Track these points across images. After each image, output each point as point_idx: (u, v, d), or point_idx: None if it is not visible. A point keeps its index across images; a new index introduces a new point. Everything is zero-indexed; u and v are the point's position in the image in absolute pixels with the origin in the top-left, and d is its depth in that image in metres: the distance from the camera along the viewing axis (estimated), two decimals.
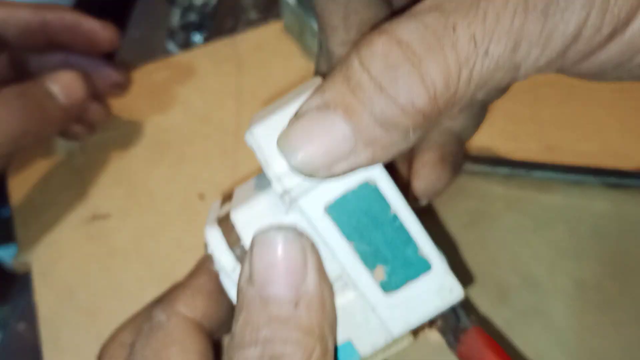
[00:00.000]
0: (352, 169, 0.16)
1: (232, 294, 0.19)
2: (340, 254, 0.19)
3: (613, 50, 0.15)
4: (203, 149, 0.34)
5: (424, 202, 0.25)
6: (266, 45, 0.37)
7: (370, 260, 0.19)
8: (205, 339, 0.20)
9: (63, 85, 0.29)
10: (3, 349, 0.31)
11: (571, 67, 0.16)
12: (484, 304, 0.28)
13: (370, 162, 0.16)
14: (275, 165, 0.17)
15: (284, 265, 0.17)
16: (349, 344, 0.20)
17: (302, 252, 0.18)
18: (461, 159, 0.25)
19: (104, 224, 0.32)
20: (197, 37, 0.39)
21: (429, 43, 0.14)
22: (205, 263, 0.22)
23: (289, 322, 0.17)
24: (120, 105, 0.36)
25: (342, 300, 0.20)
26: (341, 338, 0.20)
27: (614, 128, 0.32)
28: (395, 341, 0.20)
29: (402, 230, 0.19)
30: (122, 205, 0.32)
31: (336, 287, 0.20)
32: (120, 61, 0.37)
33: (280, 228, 0.18)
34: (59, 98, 0.29)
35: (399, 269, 0.19)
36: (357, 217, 0.19)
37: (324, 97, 0.15)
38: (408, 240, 0.19)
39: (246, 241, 0.19)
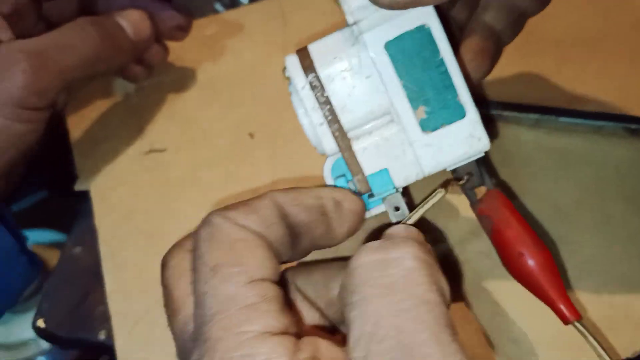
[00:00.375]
0: (413, 4, 0.20)
1: (299, 112, 0.24)
2: (391, 89, 0.22)
3: None
4: (252, 94, 0.36)
5: None
6: (310, 4, 0.40)
7: (415, 98, 0.22)
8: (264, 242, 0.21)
9: (132, 21, 0.32)
10: (60, 269, 0.33)
11: None
12: None
13: (428, 2, 0.20)
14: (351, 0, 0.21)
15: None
16: (386, 171, 0.23)
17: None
18: (497, 57, 0.28)
19: (160, 157, 0.34)
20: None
21: None
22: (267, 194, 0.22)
23: None
24: (173, 54, 0.38)
25: (386, 132, 0.23)
26: (379, 165, 0.23)
27: (633, 84, 0.35)
28: (431, 196, 0.23)
29: (446, 75, 0.22)
30: (177, 140, 0.34)
31: (383, 121, 0.23)
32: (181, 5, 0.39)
33: None
34: (128, 32, 0.31)
35: (438, 111, 0.22)
36: (410, 57, 0.22)
37: None
38: (450, 85, 0.22)
39: (317, 67, 0.23)
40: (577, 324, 0.22)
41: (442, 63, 0.22)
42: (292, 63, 0.23)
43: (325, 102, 0.23)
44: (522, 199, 0.31)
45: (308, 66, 0.23)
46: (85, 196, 0.34)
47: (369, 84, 0.22)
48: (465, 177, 0.24)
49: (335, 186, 0.23)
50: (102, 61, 0.30)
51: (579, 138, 0.33)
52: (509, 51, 0.38)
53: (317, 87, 0.23)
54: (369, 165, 0.23)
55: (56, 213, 0.85)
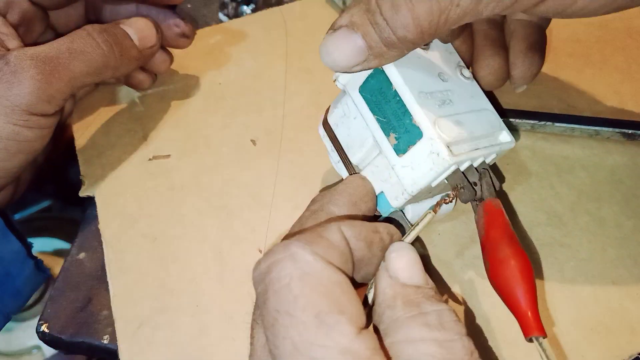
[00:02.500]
0: (366, 69, 0.24)
1: (329, 153, 0.29)
2: (370, 124, 0.26)
3: (550, 3, 0.22)
4: (255, 101, 0.37)
5: (523, 87, 0.32)
6: (311, 15, 0.41)
7: (385, 128, 0.25)
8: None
9: (138, 29, 0.32)
10: (64, 275, 0.33)
11: (528, 11, 0.22)
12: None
13: (377, 66, 0.24)
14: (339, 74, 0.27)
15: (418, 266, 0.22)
16: (382, 194, 0.27)
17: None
18: (544, 45, 0.31)
19: (164, 163, 0.34)
20: (246, 9, 0.43)
21: None
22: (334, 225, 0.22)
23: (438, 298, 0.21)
24: (177, 63, 0.39)
25: (376, 161, 0.26)
26: (378, 189, 0.27)
27: (628, 91, 0.36)
28: (420, 218, 0.24)
29: (401, 103, 0.25)
30: (180, 147, 0.35)
31: (374, 152, 0.26)
32: (185, 13, 0.40)
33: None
34: (134, 40, 0.32)
35: (403, 135, 0.25)
36: (376, 94, 0.26)
37: (352, 19, 0.22)
38: (405, 111, 0.25)
39: (328, 118, 0.29)
40: (538, 340, 0.21)
41: (396, 94, 0.25)
42: (320, 120, 0.29)
43: (336, 143, 0.28)
44: (518, 203, 0.32)
45: (324, 118, 0.29)
46: (89, 203, 0.34)
47: (358, 124, 0.27)
48: (455, 191, 0.25)
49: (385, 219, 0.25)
50: (110, 68, 0.31)
51: (574, 143, 0.34)
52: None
53: (330, 133, 0.29)
54: (376, 189, 0.27)
55: (59, 221, 0.86)
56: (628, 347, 0.27)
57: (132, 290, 0.30)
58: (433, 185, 0.25)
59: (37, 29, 0.33)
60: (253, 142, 0.35)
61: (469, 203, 0.26)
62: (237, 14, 0.43)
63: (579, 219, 0.31)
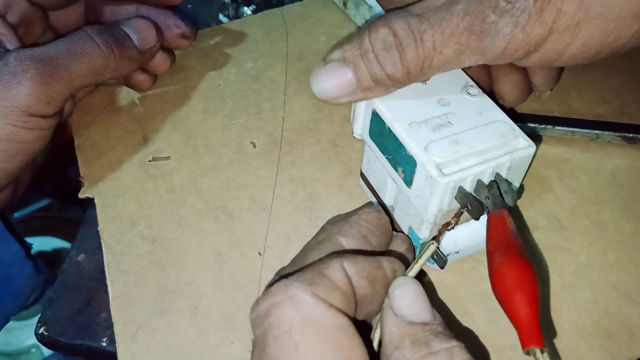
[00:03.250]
0: (351, 102, 0.26)
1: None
2: (383, 163, 0.28)
3: (535, 58, 0.23)
4: (255, 103, 0.37)
5: (547, 92, 0.33)
6: (311, 15, 0.41)
7: (393, 163, 0.27)
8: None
9: (138, 30, 0.32)
10: (63, 277, 0.33)
11: (513, 62, 0.24)
12: None
13: (363, 99, 0.26)
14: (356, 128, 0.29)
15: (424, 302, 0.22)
16: (411, 229, 0.27)
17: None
18: (529, 89, 0.32)
19: (164, 165, 0.34)
20: (246, 10, 0.43)
21: (410, 39, 0.23)
22: (335, 261, 0.21)
23: (447, 334, 0.21)
24: (177, 64, 0.39)
25: (398, 197, 0.28)
26: (408, 225, 0.27)
27: (630, 94, 0.36)
28: (423, 250, 0.25)
29: (395, 137, 0.26)
30: (180, 149, 0.35)
31: (395, 189, 0.28)
32: (185, 14, 0.40)
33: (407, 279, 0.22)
34: (134, 41, 0.32)
35: (405, 167, 0.26)
36: (379, 134, 0.27)
37: (344, 54, 0.24)
38: (400, 144, 0.26)
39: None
40: (534, 352, 0.20)
41: (390, 130, 0.26)
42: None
43: (372, 190, 0.31)
44: (519, 206, 0.32)
45: (360, 170, 0.32)
46: (88, 204, 0.34)
47: (378, 167, 0.29)
48: (463, 209, 0.25)
49: (390, 255, 0.24)
50: (109, 69, 0.31)
51: (575, 146, 0.34)
52: None
53: (366, 182, 0.32)
54: (404, 226, 0.28)
55: (59, 221, 0.85)
56: (627, 352, 0.27)
57: (131, 293, 0.30)
58: (444, 208, 0.25)
59: (37, 29, 0.33)
60: (253, 144, 0.35)
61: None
62: (238, 15, 0.43)
63: (579, 223, 0.31)
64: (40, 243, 0.82)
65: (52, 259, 0.81)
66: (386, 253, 0.26)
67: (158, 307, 0.29)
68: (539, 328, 0.21)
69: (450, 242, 0.27)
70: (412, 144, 0.25)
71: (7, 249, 0.31)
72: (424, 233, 0.27)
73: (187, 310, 0.29)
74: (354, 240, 0.24)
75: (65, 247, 0.82)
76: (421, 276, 0.28)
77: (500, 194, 0.25)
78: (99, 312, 0.31)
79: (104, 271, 0.31)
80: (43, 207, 0.85)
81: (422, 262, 0.24)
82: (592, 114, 0.35)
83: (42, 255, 0.80)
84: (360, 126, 0.29)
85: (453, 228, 0.26)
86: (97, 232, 0.32)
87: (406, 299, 0.21)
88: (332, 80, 0.25)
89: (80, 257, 0.33)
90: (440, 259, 0.26)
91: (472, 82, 0.28)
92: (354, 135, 0.30)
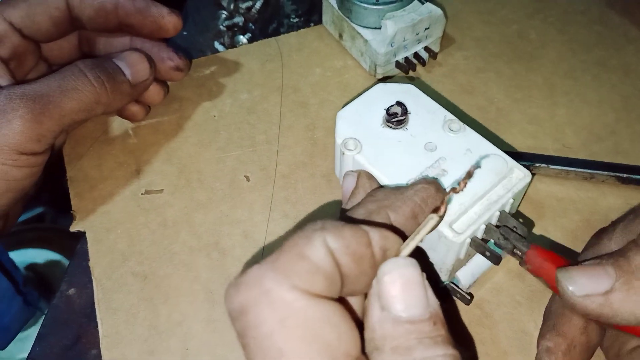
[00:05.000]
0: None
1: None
2: None
3: None
4: (249, 135, 0.37)
5: None
6: (307, 46, 0.41)
7: None
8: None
9: (130, 64, 0.32)
10: (53, 312, 0.33)
11: None
12: (505, 282, 0.30)
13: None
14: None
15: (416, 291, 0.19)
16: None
17: (422, 277, 0.19)
18: None
19: (156, 198, 0.34)
20: (242, 39, 0.43)
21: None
22: (317, 236, 0.18)
23: (436, 338, 0.18)
24: (171, 94, 0.38)
25: None
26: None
27: (624, 131, 0.36)
28: (423, 224, 0.21)
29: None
30: (173, 182, 0.35)
31: None
32: (179, 46, 0.40)
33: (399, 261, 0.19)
34: (127, 75, 0.32)
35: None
36: None
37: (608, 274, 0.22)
38: None
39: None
40: None
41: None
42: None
43: None
44: None
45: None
46: (79, 236, 0.34)
47: None
48: (488, 253, 0.25)
49: (382, 227, 0.20)
50: (101, 104, 0.31)
51: (569, 185, 0.34)
52: (501, 98, 0.38)
53: None
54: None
55: (51, 232, 0.85)
56: None
57: (121, 332, 0.30)
58: (461, 258, 0.25)
59: (29, 62, 0.33)
60: (247, 178, 0.35)
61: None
62: (233, 43, 0.42)
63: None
64: (33, 255, 0.81)
65: (44, 271, 0.80)
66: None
67: (148, 347, 0.29)
68: None
69: (468, 275, 0.27)
70: None
71: None
72: (444, 277, 0.27)
73: (177, 351, 0.29)
74: (403, 218, 0.21)
75: (58, 259, 0.81)
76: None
77: (512, 230, 0.25)
78: (89, 349, 0.31)
79: (95, 306, 0.31)
80: (36, 217, 0.84)
81: (419, 239, 0.20)
82: (587, 151, 0.35)
83: (34, 268, 0.79)
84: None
85: (462, 190, 0.22)
86: (88, 265, 0.32)
87: (394, 289, 0.18)
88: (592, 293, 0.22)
89: (71, 291, 0.33)
90: (464, 298, 0.26)
91: (450, 115, 0.28)
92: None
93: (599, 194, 0.33)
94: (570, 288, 0.22)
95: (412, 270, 0.18)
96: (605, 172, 0.33)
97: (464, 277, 0.27)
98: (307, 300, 0.16)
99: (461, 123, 0.28)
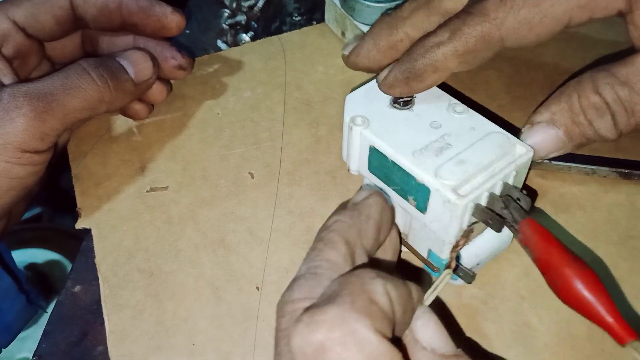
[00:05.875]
0: (559, 154, 0.29)
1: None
2: (390, 194, 0.28)
3: None
4: (253, 133, 0.37)
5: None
6: (310, 44, 0.41)
7: (402, 194, 0.27)
8: None
9: (134, 63, 0.32)
10: (59, 308, 0.33)
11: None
12: (508, 279, 0.31)
13: (570, 151, 0.29)
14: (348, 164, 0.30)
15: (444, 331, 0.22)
16: (431, 252, 0.28)
17: None
18: None
19: (161, 195, 0.34)
20: (245, 37, 0.43)
21: (622, 111, 0.27)
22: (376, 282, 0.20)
23: None
24: (175, 92, 0.39)
25: (412, 224, 0.28)
26: (427, 249, 0.28)
27: None
28: (440, 279, 0.25)
29: (401, 169, 0.26)
30: (178, 179, 0.35)
31: (406, 217, 0.28)
32: (182, 45, 0.40)
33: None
34: (130, 74, 0.32)
35: (417, 195, 0.26)
36: (381, 169, 0.27)
37: (554, 117, 0.28)
38: (407, 174, 0.26)
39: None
40: (634, 344, 0.22)
41: (394, 163, 0.26)
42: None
43: None
44: (513, 242, 0.32)
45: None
46: (84, 232, 0.34)
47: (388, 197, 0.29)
48: (464, 238, 0.26)
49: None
50: (105, 103, 0.31)
51: (571, 181, 0.34)
52: (501, 95, 0.39)
53: None
54: (422, 250, 0.29)
55: (50, 232, 0.85)
56: None
57: (127, 328, 0.30)
58: (464, 227, 0.26)
59: (33, 61, 0.33)
60: (251, 175, 0.35)
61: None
62: (236, 42, 0.43)
63: None
64: (32, 255, 0.81)
65: (44, 271, 0.80)
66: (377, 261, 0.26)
67: (155, 343, 0.29)
68: (626, 322, 0.22)
69: (471, 255, 0.28)
70: (421, 173, 0.25)
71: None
72: (445, 254, 0.27)
73: (183, 346, 0.29)
74: (372, 239, 0.24)
75: (57, 259, 0.81)
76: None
77: (515, 200, 0.26)
78: (95, 346, 0.31)
79: (100, 303, 0.31)
80: (34, 216, 0.84)
81: (438, 291, 0.24)
82: (588, 147, 0.35)
83: (33, 267, 0.79)
84: (357, 163, 0.29)
85: (463, 247, 0.26)
86: (94, 262, 0.32)
87: (429, 331, 0.21)
88: (544, 140, 0.28)
89: (77, 288, 0.33)
90: (467, 275, 0.27)
91: (454, 100, 0.29)
92: (351, 171, 0.30)
93: (601, 190, 0.34)
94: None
95: (436, 317, 0.22)
96: (607, 168, 0.33)
97: (467, 257, 0.28)
98: (386, 342, 0.18)
99: (465, 106, 0.29)
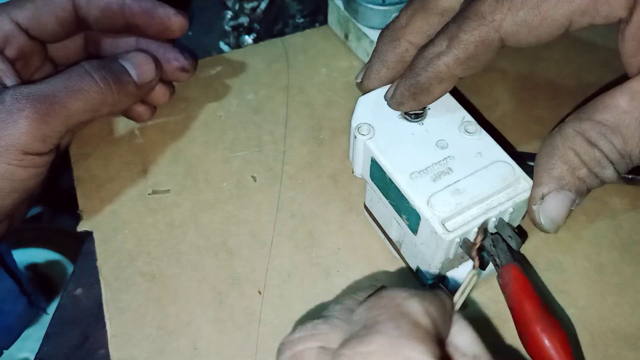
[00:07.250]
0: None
1: None
2: (387, 206, 0.28)
3: None
4: (256, 136, 0.37)
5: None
6: (312, 47, 0.41)
7: (398, 210, 0.26)
8: None
9: (136, 64, 0.32)
10: (60, 311, 0.33)
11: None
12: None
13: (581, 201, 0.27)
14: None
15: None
16: (419, 269, 0.28)
17: None
18: None
19: (164, 198, 0.34)
20: (247, 39, 0.43)
21: (620, 160, 0.26)
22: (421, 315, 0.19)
23: None
24: (177, 94, 0.38)
25: (405, 237, 0.28)
26: (416, 265, 0.28)
27: None
28: (467, 282, 0.23)
29: (397, 189, 0.26)
30: (180, 182, 0.35)
31: (400, 230, 0.28)
32: (185, 47, 0.40)
33: None
34: (133, 75, 0.32)
35: (410, 216, 0.26)
36: (380, 181, 0.27)
37: (561, 182, 0.26)
38: (402, 196, 0.25)
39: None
40: None
41: (391, 181, 0.26)
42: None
43: (376, 223, 0.31)
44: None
45: (364, 203, 0.32)
46: (85, 234, 0.34)
47: (382, 206, 0.29)
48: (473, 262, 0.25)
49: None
50: (107, 105, 0.31)
51: None
52: (506, 98, 0.39)
53: (370, 214, 0.32)
54: (412, 264, 0.29)
55: (50, 232, 0.85)
56: None
57: (129, 332, 0.30)
58: (450, 257, 0.25)
59: (35, 63, 0.33)
60: (254, 178, 0.35)
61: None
62: (239, 44, 0.42)
63: (578, 265, 0.31)
64: (32, 255, 0.81)
65: (44, 271, 0.80)
66: None
67: (157, 347, 0.29)
68: None
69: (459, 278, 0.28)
70: (415, 199, 0.25)
71: (0, 285, 0.31)
72: (428, 275, 0.27)
73: (185, 350, 0.29)
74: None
75: (57, 259, 0.81)
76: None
77: (504, 240, 0.25)
78: (96, 349, 0.31)
79: (102, 306, 0.31)
80: (34, 216, 0.84)
81: (467, 294, 0.23)
82: None
83: (33, 267, 0.79)
84: (361, 166, 0.29)
85: (481, 244, 0.25)
86: (95, 265, 0.32)
87: (467, 337, 0.20)
88: (560, 208, 0.26)
89: (78, 291, 0.33)
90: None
91: (469, 117, 0.28)
92: (355, 174, 0.30)
93: (604, 194, 0.33)
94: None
95: (468, 322, 0.21)
96: None
97: (454, 280, 0.28)
98: None
99: (478, 126, 0.28)
